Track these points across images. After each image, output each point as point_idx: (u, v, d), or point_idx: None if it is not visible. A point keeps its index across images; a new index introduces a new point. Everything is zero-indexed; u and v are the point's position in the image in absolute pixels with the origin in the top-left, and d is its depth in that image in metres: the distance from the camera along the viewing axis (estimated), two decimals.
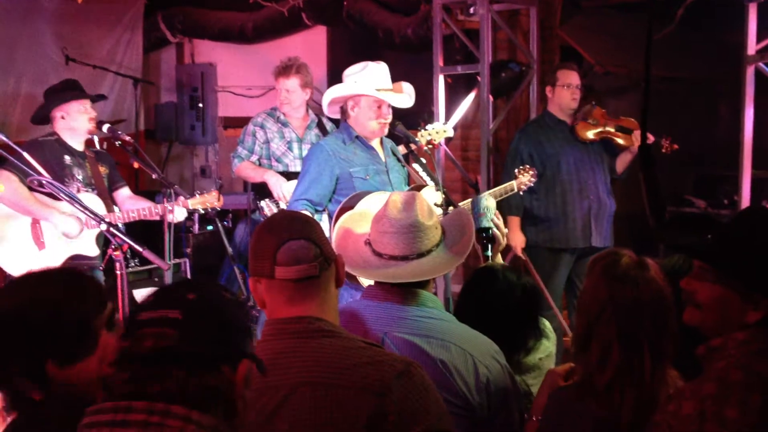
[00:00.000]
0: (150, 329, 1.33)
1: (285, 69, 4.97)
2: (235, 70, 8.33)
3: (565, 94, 4.85)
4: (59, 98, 4.46)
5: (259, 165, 5.07)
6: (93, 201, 4.37)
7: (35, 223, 4.35)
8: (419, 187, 3.90)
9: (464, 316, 2.39)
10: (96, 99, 4.67)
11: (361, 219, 2.58)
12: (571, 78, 4.85)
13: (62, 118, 4.43)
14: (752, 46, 4.97)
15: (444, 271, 2.38)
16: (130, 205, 4.61)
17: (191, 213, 5.86)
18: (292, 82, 4.96)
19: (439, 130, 4.87)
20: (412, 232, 2.29)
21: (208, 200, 4.61)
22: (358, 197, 3.64)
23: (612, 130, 4.86)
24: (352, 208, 3.56)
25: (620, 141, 4.84)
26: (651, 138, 4.72)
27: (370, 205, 3.48)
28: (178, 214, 4.46)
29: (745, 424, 1.54)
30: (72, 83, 4.58)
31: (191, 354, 1.31)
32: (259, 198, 5.05)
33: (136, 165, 4.79)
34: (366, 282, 3.25)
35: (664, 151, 4.69)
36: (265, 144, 5.05)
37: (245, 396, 1.40)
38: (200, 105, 8.10)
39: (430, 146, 5.02)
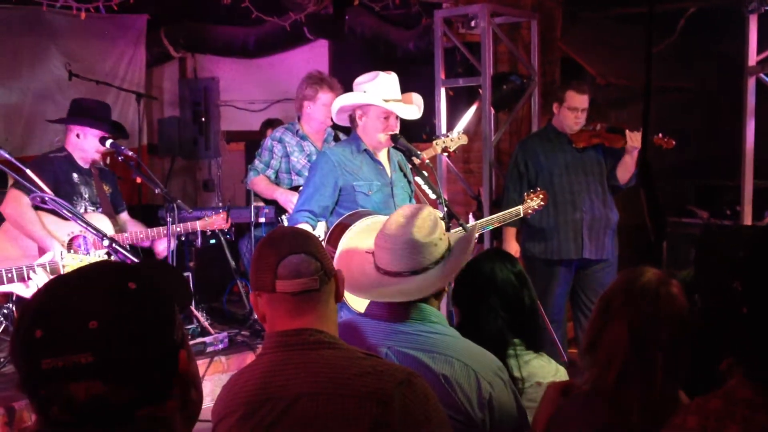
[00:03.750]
0: (59, 385, 1.05)
1: (329, 83, 4.90)
2: (238, 84, 8.37)
3: (569, 116, 4.82)
4: (85, 119, 4.43)
5: (277, 178, 5.08)
6: (101, 220, 4.37)
7: (41, 249, 4.33)
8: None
9: (464, 312, 2.42)
10: (118, 136, 4.65)
11: (369, 230, 2.60)
12: (577, 102, 4.79)
13: (77, 136, 4.43)
14: (753, 57, 4.98)
15: (428, 292, 2.27)
16: (129, 228, 4.65)
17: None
18: (331, 96, 4.78)
19: (455, 138, 4.93)
20: (407, 249, 2.28)
21: (216, 222, 4.67)
22: (358, 216, 3.64)
23: (604, 132, 4.85)
24: (348, 226, 3.57)
25: (614, 142, 4.82)
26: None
27: (371, 224, 3.50)
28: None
29: None
30: (103, 109, 4.54)
31: (125, 402, 1.07)
32: (278, 212, 5.11)
33: (138, 180, 4.81)
34: (357, 306, 3.27)
35: (664, 148, 4.65)
36: (285, 158, 5.04)
37: (195, 382, 1.20)
38: (203, 119, 8.12)
39: (446, 153, 5.07)
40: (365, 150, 3.90)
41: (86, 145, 4.42)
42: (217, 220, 4.70)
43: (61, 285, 1.15)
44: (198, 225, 4.62)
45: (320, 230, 3.94)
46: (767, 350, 1.56)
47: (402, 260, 2.28)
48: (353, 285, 2.36)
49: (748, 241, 1.70)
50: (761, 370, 1.56)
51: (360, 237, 3.46)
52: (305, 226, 3.73)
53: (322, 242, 3.77)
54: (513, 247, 4.94)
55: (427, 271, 2.29)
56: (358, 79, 3.92)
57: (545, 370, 2.50)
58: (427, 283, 2.28)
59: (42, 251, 4.30)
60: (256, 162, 5.14)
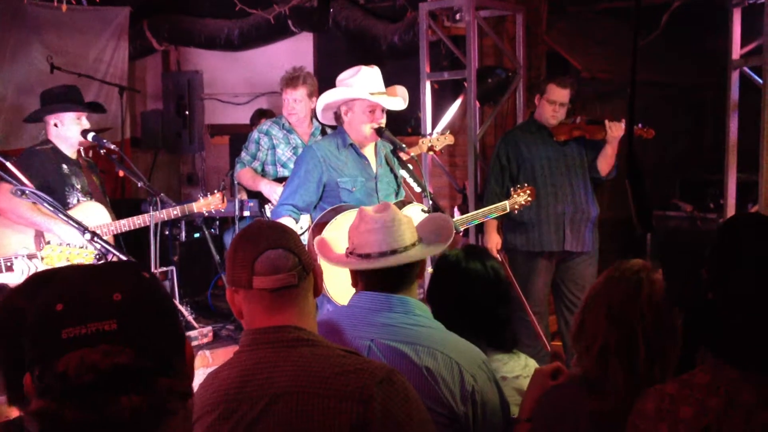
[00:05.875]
0: (84, 351, 1.07)
1: (292, 80, 4.96)
2: (222, 77, 8.32)
3: (547, 108, 4.85)
4: (56, 106, 4.37)
5: (263, 170, 5.11)
6: (97, 209, 4.33)
7: (38, 236, 4.28)
8: (403, 203, 3.89)
9: (436, 311, 2.40)
10: (95, 111, 4.61)
11: (335, 240, 2.62)
12: (556, 95, 4.82)
13: (55, 125, 4.37)
14: (737, 51, 5.00)
15: (430, 254, 2.44)
16: None
17: (178, 220, 5.85)
18: (300, 93, 4.96)
19: (440, 138, 4.95)
20: (395, 225, 2.32)
21: (212, 203, 4.66)
22: (341, 209, 3.64)
23: (584, 124, 4.87)
24: (326, 223, 3.57)
25: (594, 134, 4.84)
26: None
27: (342, 223, 3.48)
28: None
29: (697, 425, 1.55)
30: (72, 91, 4.50)
31: (146, 371, 1.10)
32: (261, 203, 5.13)
33: (121, 173, 4.77)
34: (342, 301, 3.26)
35: (644, 138, 4.68)
36: (271, 150, 5.08)
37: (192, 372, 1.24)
38: (186, 112, 8.07)
39: (432, 152, 5.09)
40: (351, 144, 3.88)
41: (68, 132, 4.37)
42: (213, 201, 4.68)
43: (77, 269, 1.20)
44: (194, 207, 4.60)
45: (304, 222, 3.94)
46: (733, 332, 1.61)
47: (393, 236, 2.29)
48: (344, 265, 2.38)
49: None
50: (729, 351, 1.61)
51: (332, 233, 3.48)
52: (288, 220, 3.73)
53: (306, 235, 3.77)
54: (494, 240, 4.96)
55: (414, 247, 2.33)
56: (341, 76, 3.89)
57: (511, 364, 2.50)
58: (423, 253, 2.35)
59: (39, 238, 4.26)
60: (243, 154, 5.17)
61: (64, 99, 4.41)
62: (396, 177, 4.07)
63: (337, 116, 3.91)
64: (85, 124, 4.41)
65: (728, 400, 1.55)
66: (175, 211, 4.52)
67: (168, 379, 1.13)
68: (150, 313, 1.14)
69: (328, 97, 3.87)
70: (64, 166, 4.37)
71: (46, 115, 4.39)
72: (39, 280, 1.28)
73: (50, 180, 4.24)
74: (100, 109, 4.74)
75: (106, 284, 1.13)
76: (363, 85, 3.80)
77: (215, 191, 4.79)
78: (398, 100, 3.90)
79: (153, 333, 1.13)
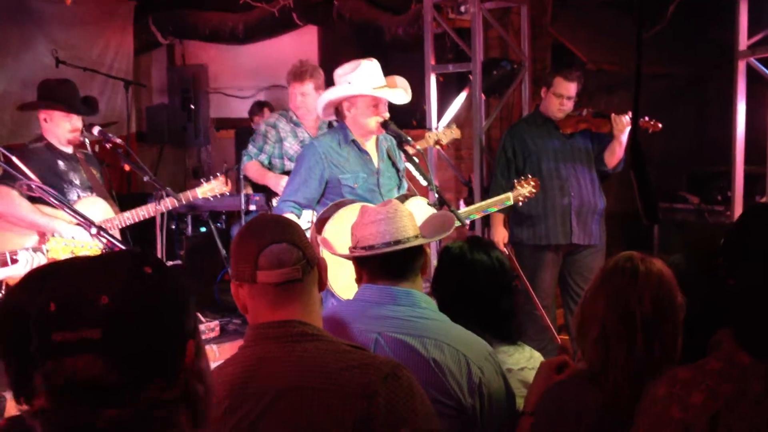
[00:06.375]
0: (69, 359, 1.06)
1: (299, 74, 4.93)
2: (227, 71, 8.33)
3: (554, 102, 4.84)
4: (45, 102, 4.31)
5: (270, 164, 5.09)
6: (98, 204, 4.31)
7: (43, 235, 4.27)
8: (406, 197, 3.88)
9: (441, 303, 2.41)
10: (82, 113, 4.47)
11: (338, 234, 2.64)
12: (563, 89, 4.80)
13: (45, 120, 4.34)
14: (743, 42, 4.97)
15: (433, 240, 2.53)
16: None
17: (185, 214, 5.83)
18: (307, 87, 4.93)
19: (447, 132, 4.93)
20: (397, 215, 2.33)
21: (216, 187, 4.60)
22: (343, 204, 3.64)
23: (590, 117, 4.86)
24: (329, 218, 3.57)
25: (600, 127, 4.83)
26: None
27: (344, 217, 3.48)
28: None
29: (706, 411, 1.55)
30: (65, 89, 4.40)
31: (127, 385, 1.07)
32: (268, 197, 5.14)
33: (127, 167, 4.73)
34: (346, 295, 3.27)
35: (651, 131, 4.66)
36: (278, 143, 5.06)
37: (201, 376, 1.18)
38: (192, 106, 8.08)
39: (438, 146, 5.07)
40: (353, 140, 3.86)
41: (56, 129, 4.31)
42: (216, 185, 4.62)
43: (78, 264, 1.17)
44: (198, 192, 4.56)
45: (308, 217, 3.93)
46: (745, 320, 1.62)
47: (396, 227, 2.30)
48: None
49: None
50: (752, 334, 1.61)
51: (335, 227, 3.48)
52: (290, 217, 3.72)
53: (309, 230, 3.78)
54: (500, 233, 4.95)
55: (417, 239, 2.34)
56: (339, 71, 3.84)
57: (516, 356, 2.51)
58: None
59: (44, 237, 4.25)
60: (250, 147, 5.14)
61: (56, 96, 4.35)
62: (398, 171, 4.05)
63: (338, 112, 3.88)
64: (76, 122, 4.31)
65: (739, 387, 1.55)
66: (179, 200, 4.47)
67: (153, 389, 1.10)
68: (139, 318, 1.09)
69: (331, 95, 3.84)
70: (60, 163, 4.32)
71: (35, 109, 4.37)
72: (40, 275, 1.27)
73: (46, 178, 4.19)
74: (92, 110, 4.54)
75: (100, 283, 1.10)
76: (364, 80, 3.77)
77: (217, 174, 4.72)
78: (400, 92, 3.87)
79: (139, 341, 1.09)
